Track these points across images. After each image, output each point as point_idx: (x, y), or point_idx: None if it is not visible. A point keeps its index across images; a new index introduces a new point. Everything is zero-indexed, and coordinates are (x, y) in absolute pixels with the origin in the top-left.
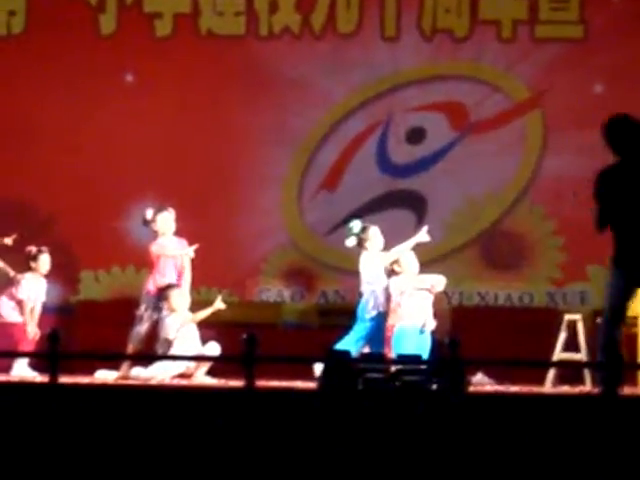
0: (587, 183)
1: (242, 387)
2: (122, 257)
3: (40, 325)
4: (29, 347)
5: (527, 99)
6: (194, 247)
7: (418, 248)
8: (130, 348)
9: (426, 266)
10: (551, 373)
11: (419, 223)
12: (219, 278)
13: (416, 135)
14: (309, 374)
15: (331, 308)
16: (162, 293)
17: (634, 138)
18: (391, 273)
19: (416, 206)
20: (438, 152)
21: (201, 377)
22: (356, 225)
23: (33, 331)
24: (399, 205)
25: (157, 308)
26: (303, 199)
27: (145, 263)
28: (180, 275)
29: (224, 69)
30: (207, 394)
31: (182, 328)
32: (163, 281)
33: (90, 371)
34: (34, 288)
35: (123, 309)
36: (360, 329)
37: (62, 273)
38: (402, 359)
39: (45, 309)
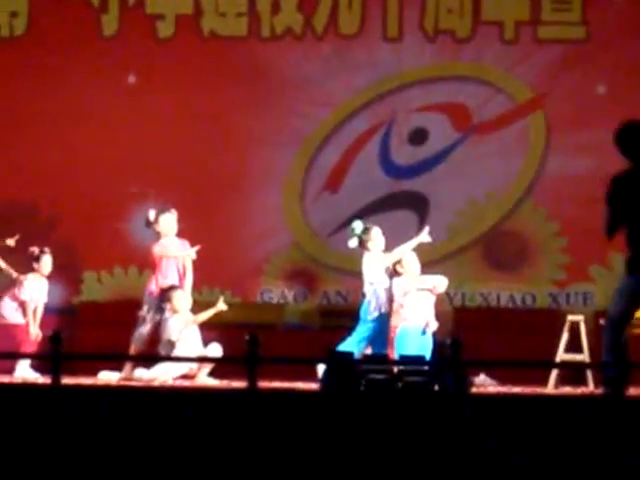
0: (589, 182)
1: (244, 388)
2: (124, 258)
3: (42, 326)
4: (31, 348)
5: (530, 100)
6: (196, 248)
7: (420, 249)
8: (133, 349)
9: (428, 267)
10: (553, 374)
11: (421, 224)
12: (221, 279)
13: (419, 136)
14: (311, 375)
15: (333, 309)
16: (165, 294)
17: None
18: (393, 274)
19: (418, 207)
20: (440, 153)
21: (203, 378)
22: (358, 226)
23: (35, 332)
24: (401, 206)
25: (160, 309)
26: (306, 200)
27: (147, 264)
28: (182, 276)
29: (226, 70)
30: (209, 395)
31: (185, 329)
32: (165, 282)
33: (93, 372)
34: (36, 289)
35: (125, 310)
36: (362, 330)
37: (64, 274)
38: (404, 360)
39: (47, 310)
